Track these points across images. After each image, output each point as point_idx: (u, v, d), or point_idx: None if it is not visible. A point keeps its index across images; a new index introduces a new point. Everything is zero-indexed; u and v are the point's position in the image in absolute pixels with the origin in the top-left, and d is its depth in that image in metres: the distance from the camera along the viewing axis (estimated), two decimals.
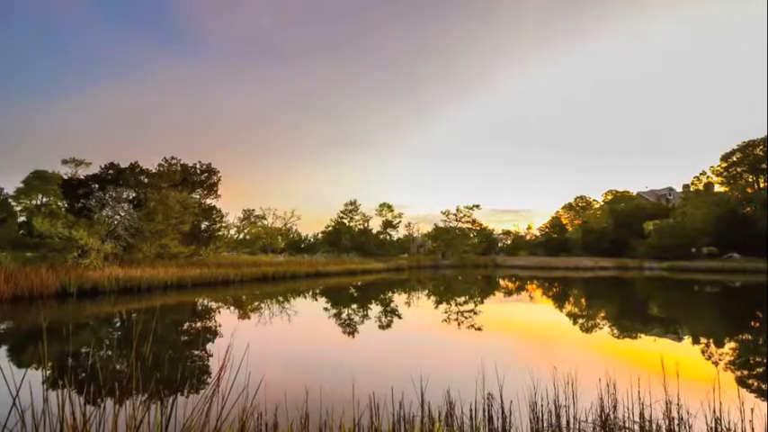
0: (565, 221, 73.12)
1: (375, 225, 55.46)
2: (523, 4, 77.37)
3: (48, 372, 6.13)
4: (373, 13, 76.35)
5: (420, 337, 10.13)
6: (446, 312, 14.10)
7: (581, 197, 76.39)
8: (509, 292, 22.66)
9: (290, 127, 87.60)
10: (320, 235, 57.10)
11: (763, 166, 50.14)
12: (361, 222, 54.05)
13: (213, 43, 76.63)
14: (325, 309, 14.99)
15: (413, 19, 78.54)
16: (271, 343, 9.12)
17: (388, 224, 55.77)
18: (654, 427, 3.68)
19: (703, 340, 9.73)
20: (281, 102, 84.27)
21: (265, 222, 52.70)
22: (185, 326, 11.13)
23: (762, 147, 50.82)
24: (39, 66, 65.52)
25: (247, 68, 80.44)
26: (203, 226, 32.38)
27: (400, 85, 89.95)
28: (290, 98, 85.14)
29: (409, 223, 59.55)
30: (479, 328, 10.81)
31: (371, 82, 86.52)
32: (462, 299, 18.43)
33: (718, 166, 56.66)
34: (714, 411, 3.49)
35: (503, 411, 3.81)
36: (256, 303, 16.25)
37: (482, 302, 17.76)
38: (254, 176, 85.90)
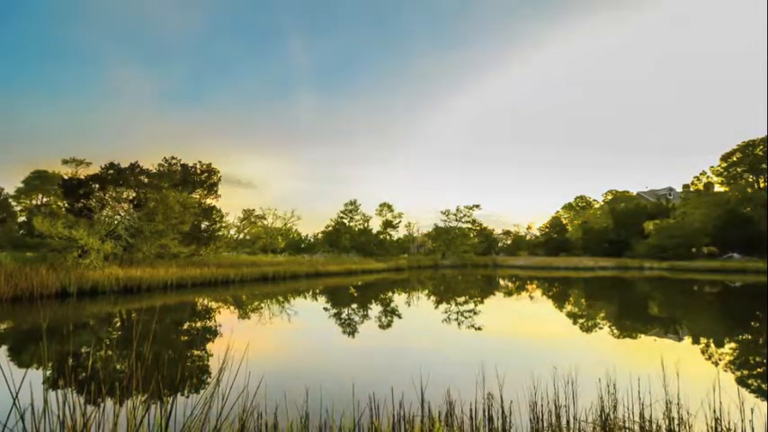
0: (565, 221, 73.23)
1: (375, 225, 55.47)
2: (524, 4, 77.39)
3: (48, 372, 6.12)
4: (370, 12, 76.32)
5: (420, 337, 10.12)
6: (446, 312, 14.10)
7: (581, 197, 76.58)
8: (509, 293, 22.65)
9: (290, 126, 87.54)
10: (320, 235, 57.07)
11: (763, 166, 50.18)
12: (361, 222, 53.99)
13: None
14: (325, 309, 14.99)
15: (412, 19, 78.51)
16: (271, 343, 9.12)
17: (388, 224, 55.73)
18: (654, 427, 3.67)
19: (703, 340, 9.73)
20: (280, 101, 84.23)
21: (265, 222, 52.75)
22: (185, 326, 11.12)
23: (762, 147, 50.86)
24: (39, 65, 65.47)
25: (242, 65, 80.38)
26: (203, 226, 32.36)
27: (399, 86, 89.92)
28: (289, 96, 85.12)
29: (409, 223, 59.58)
30: (479, 328, 10.81)
31: (371, 81, 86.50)
32: (462, 299, 18.43)
33: (718, 166, 56.76)
34: (714, 411, 3.48)
35: (503, 411, 3.81)
36: (256, 303, 16.25)
37: (482, 302, 17.76)
38: (255, 176, 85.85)
